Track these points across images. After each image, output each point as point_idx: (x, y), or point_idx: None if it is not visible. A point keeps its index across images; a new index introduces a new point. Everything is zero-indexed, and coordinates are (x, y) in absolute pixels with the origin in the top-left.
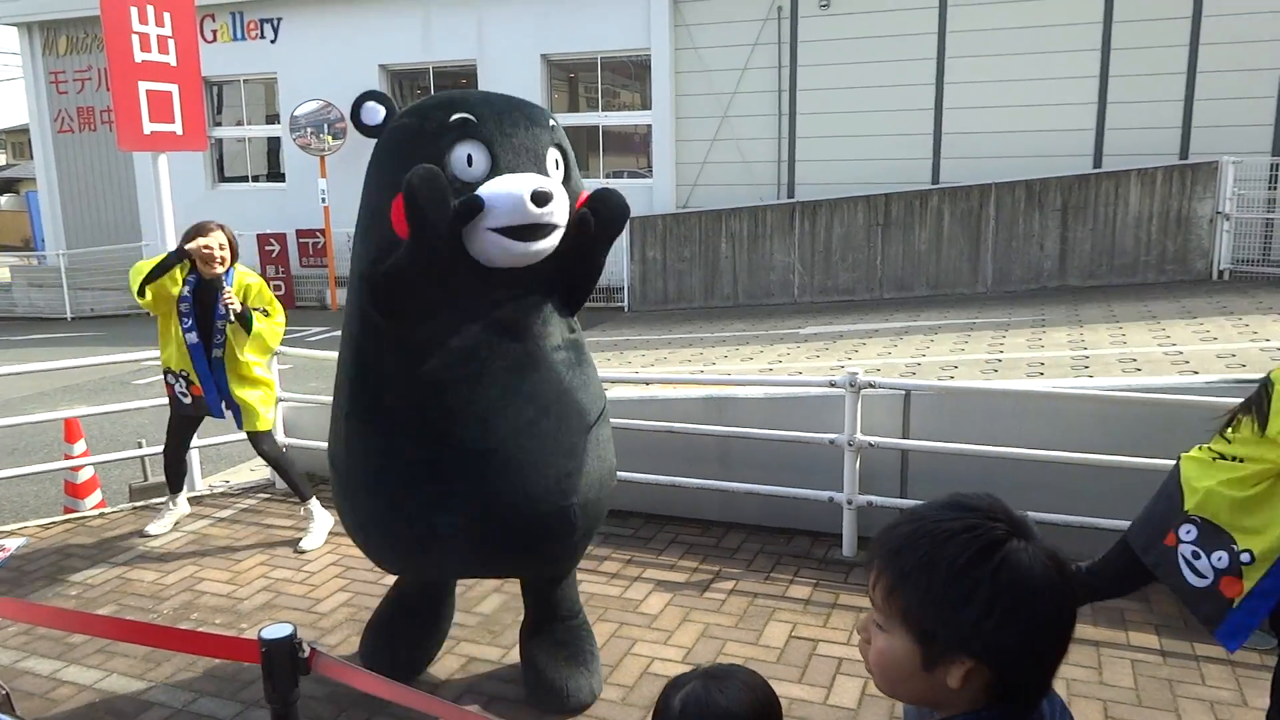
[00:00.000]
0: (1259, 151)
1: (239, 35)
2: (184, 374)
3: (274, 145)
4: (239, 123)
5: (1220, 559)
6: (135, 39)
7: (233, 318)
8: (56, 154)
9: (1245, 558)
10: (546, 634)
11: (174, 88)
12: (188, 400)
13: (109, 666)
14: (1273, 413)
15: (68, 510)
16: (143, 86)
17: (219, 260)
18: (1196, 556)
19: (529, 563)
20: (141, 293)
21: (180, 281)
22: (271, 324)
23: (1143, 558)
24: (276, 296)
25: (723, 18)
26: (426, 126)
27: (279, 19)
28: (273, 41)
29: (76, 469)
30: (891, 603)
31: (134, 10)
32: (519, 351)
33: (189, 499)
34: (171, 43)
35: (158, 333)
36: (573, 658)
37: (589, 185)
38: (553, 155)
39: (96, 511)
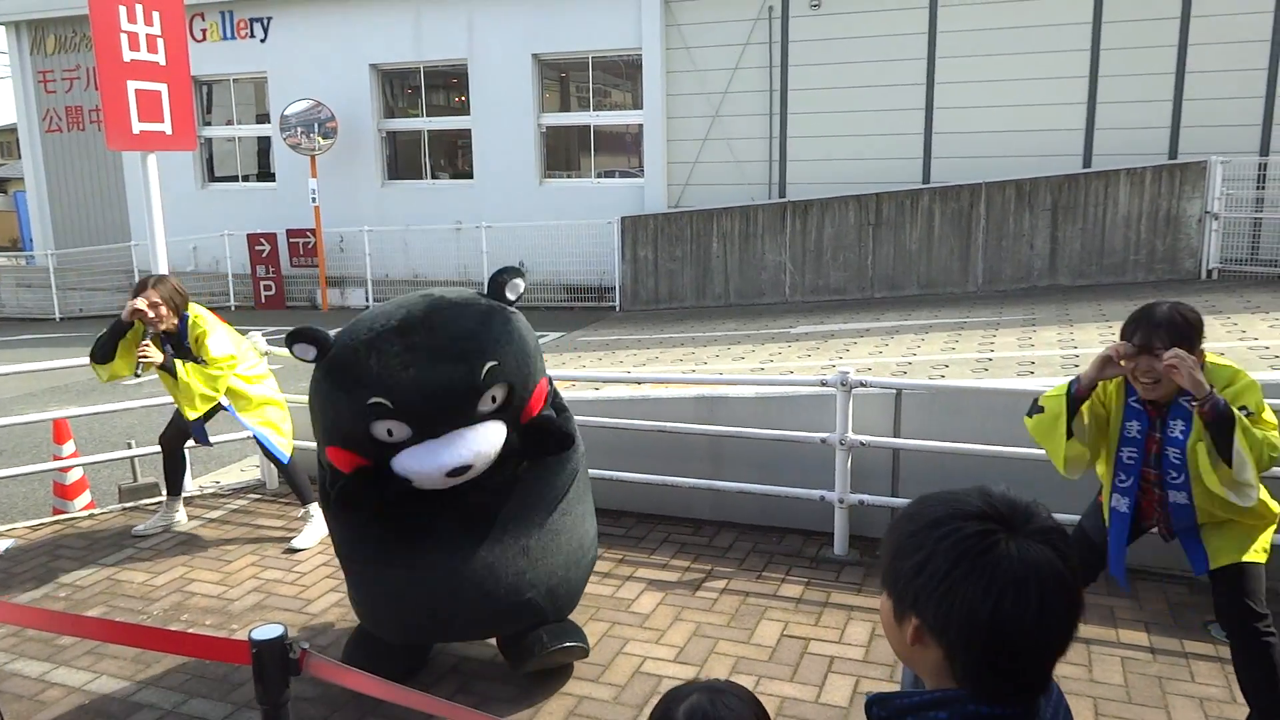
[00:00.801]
0: (1247, 151)
1: (229, 34)
2: None
3: (264, 145)
4: (229, 122)
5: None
6: (124, 38)
7: (154, 371)
8: (45, 153)
9: None
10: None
11: (163, 87)
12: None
13: (98, 668)
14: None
15: (56, 511)
16: (131, 86)
17: (156, 319)
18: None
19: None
20: (101, 359)
21: (133, 362)
22: (198, 371)
23: (1084, 521)
24: (267, 297)
25: (714, 17)
26: (350, 402)
27: (269, 18)
28: (263, 41)
29: (65, 470)
30: (882, 549)
31: (123, 9)
32: (470, 503)
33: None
34: (160, 42)
35: None
36: (549, 627)
37: (580, 185)
38: (489, 395)
39: (86, 512)
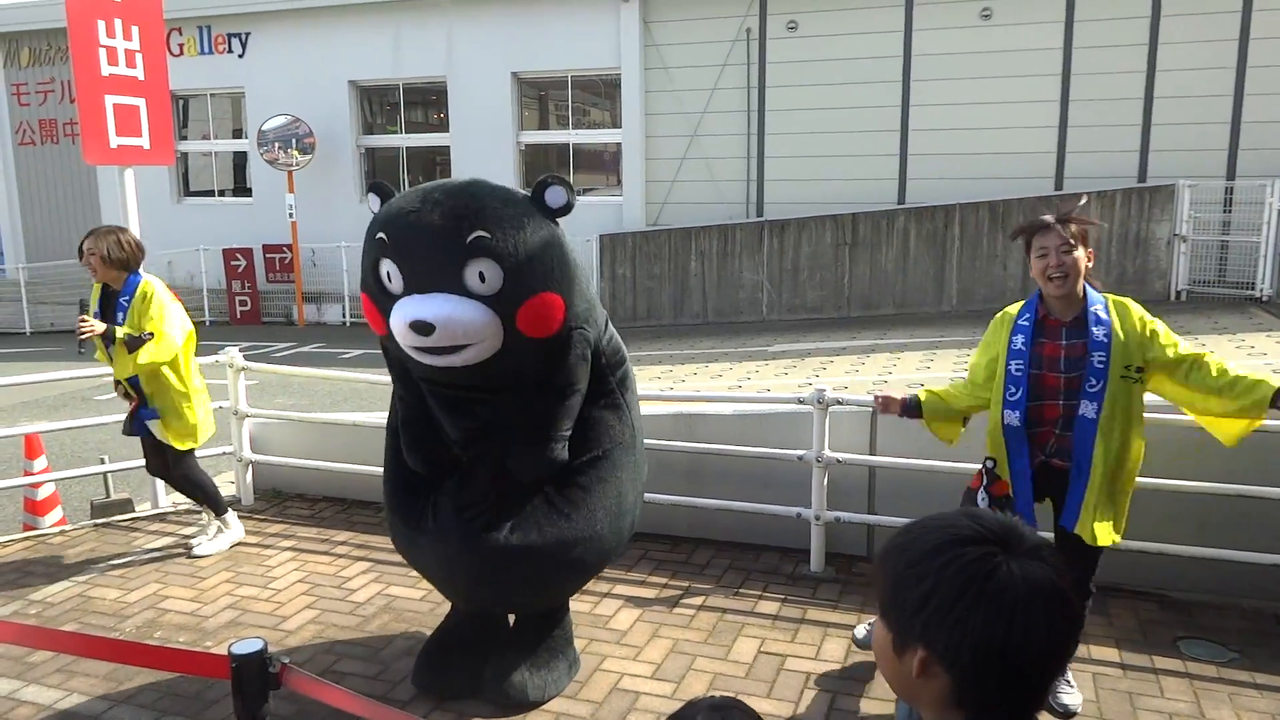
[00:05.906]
0: (1214, 176)
1: (206, 49)
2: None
3: (240, 160)
4: (205, 136)
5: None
6: (103, 53)
7: (96, 340)
8: (17, 166)
9: (989, 463)
10: (512, 633)
11: (141, 101)
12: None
13: (70, 686)
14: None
15: (27, 528)
16: (110, 100)
17: (90, 269)
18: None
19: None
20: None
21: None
22: (152, 348)
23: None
24: (242, 312)
25: (692, 38)
26: (368, 240)
27: (247, 33)
28: (240, 56)
29: (37, 485)
30: (876, 581)
31: (102, 24)
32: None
33: (155, 514)
34: (139, 57)
35: None
36: (526, 655)
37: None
38: (476, 269)
39: (57, 529)
